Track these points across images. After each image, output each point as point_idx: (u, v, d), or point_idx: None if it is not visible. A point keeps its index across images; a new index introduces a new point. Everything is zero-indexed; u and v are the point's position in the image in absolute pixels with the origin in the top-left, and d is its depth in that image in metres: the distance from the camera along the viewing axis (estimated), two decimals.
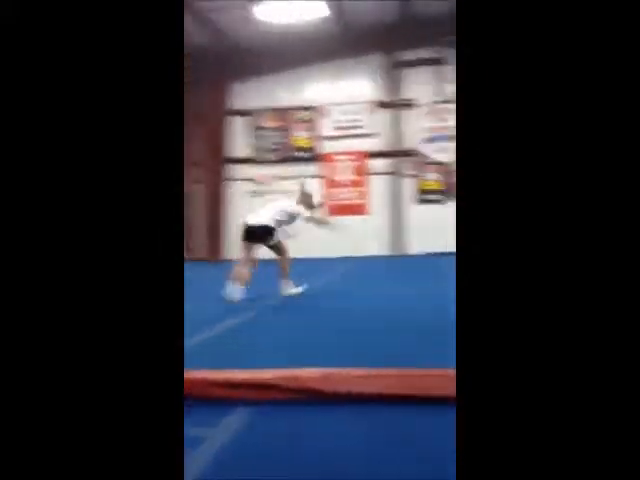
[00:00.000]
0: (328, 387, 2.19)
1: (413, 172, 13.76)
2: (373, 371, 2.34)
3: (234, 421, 2.04)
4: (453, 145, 13.47)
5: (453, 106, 13.43)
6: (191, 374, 2.15)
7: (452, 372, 2.24)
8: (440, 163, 13.58)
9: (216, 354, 3.20)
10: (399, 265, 6.53)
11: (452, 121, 13.46)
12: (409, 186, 13.82)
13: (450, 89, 13.30)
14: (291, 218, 5.20)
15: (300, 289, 5.46)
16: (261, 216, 5.18)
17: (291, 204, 5.32)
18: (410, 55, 13.61)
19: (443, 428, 1.76)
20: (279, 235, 5.07)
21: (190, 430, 1.52)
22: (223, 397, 2.21)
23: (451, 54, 12.87)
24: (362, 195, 14.19)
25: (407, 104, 13.72)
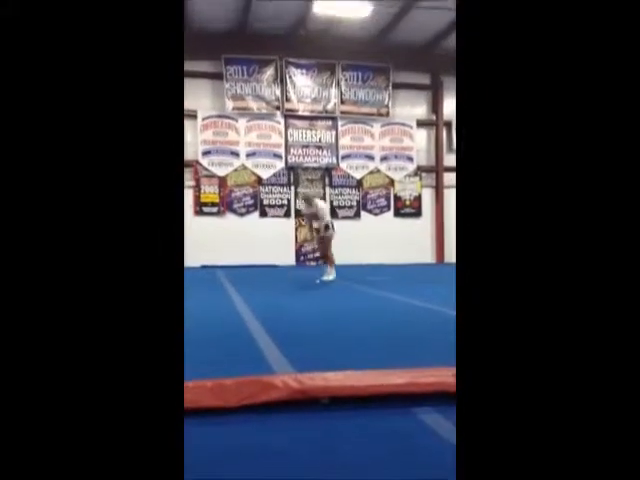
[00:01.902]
0: None
1: (192, 183, 13.74)
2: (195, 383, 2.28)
3: None
4: (230, 159, 13.78)
5: (230, 121, 13.72)
6: None
7: (268, 379, 2.26)
8: (217, 176, 13.76)
9: None
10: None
11: (231, 136, 13.77)
12: (189, 197, 13.75)
13: (229, 104, 13.60)
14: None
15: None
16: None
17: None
18: (194, 67, 13.61)
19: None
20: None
21: None
22: None
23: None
24: None
25: (188, 115, 13.68)
